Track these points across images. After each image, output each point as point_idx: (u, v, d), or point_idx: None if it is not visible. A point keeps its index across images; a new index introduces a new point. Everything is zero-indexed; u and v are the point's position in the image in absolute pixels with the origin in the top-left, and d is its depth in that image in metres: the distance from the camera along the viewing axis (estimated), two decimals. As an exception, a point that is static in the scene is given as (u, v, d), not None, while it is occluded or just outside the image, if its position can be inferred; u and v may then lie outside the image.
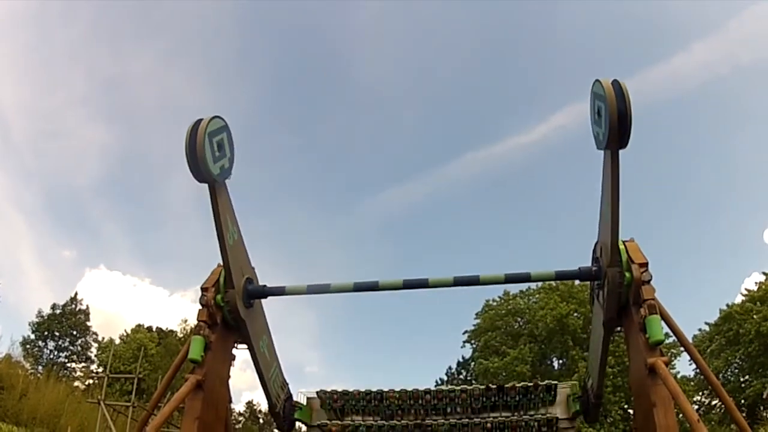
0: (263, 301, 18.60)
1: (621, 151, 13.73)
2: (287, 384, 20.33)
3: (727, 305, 49.50)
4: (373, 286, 16.34)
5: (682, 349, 28.80)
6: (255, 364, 17.44)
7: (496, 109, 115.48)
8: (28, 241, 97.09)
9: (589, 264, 17.66)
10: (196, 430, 15.85)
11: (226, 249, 16.29)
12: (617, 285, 15.74)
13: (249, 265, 18.62)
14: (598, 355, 15.87)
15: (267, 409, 21.76)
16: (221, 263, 17.43)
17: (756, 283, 49.73)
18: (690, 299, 71.76)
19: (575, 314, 52.35)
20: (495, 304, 57.17)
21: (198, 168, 14.59)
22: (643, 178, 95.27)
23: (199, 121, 14.44)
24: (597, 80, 14.05)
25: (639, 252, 15.92)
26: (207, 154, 14.63)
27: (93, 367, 58.77)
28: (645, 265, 15.42)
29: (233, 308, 17.03)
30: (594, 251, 17.51)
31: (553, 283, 51.76)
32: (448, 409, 22.13)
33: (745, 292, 49.53)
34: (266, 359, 17.80)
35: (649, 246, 16.02)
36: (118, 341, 56.63)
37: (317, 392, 22.68)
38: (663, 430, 13.76)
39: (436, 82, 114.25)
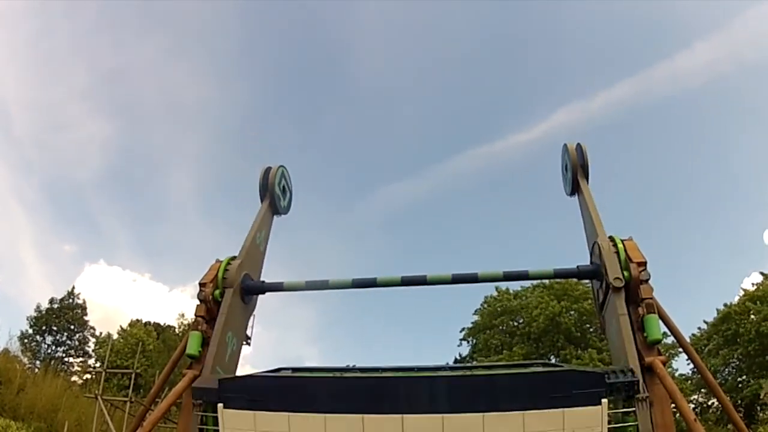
0: (261, 300, 18.67)
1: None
2: None
3: (725, 305, 49.55)
4: (371, 283, 16.41)
5: (680, 348, 28.86)
6: (213, 346, 15.88)
7: (497, 106, 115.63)
8: (29, 235, 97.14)
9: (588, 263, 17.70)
10: (192, 425, 15.84)
11: (249, 241, 17.55)
12: (611, 246, 15.80)
13: (258, 271, 18.79)
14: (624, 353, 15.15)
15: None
16: (219, 259, 17.56)
17: (753, 284, 49.83)
18: (689, 299, 71.82)
19: (570, 312, 52.35)
20: (493, 300, 57.08)
21: (266, 182, 19.29)
22: (643, 177, 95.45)
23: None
24: (565, 144, 18.31)
25: (637, 251, 15.93)
26: (276, 180, 19.30)
27: (91, 361, 58.77)
28: (643, 264, 15.43)
29: (230, 279, 17.08)
30: (592, 251, 17.53)
31: (548, 281, 51.73)
32: None
33: (743, 293, 49.62)
34: (223, 355, 16.37)
35: (648, 245, 16.02)
36: (116, 336, 56.59)
37: None
38: (660, 428, 13.77)
39: (437, 78, 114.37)
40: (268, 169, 19.69)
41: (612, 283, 15.23)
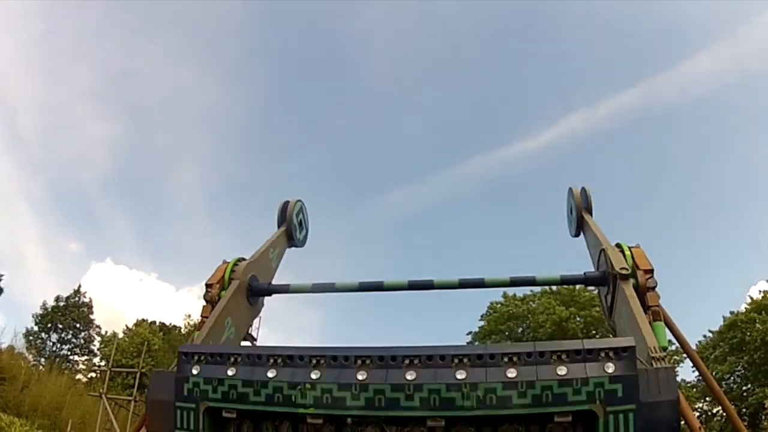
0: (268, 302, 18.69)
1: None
2: None
3: (732, 312, 49.47)
4: (378, 286, 16.32)
5: (685, 356, 28.79)
6: (207, 324, 15.61)
7: (503, 113, 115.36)
8: (35, 233, 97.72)
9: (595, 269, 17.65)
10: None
11: (261, 251, 17.72)
12: (618, 250, 16.03)
13: (266, 281, 18.82)
14: None
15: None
16: (226, 260, 17.60)
17: (760, 291, 49.68)
18: (695, 306, 71.48)
19: (577, 319, 52.32)
20: (499, 306, 57.01)
21: (284, 215, 18.24)
22: (650, 184, 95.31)
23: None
24: (570, 188, 17.67)
25: (645, 258, 15.85)
26: (294, 212, 18.31)
27: (95, 360, 58.90)
28: (650, 271, 15.33)
29: (237, 276, 17.13)
30: (599, 259, 17.50)
31: (555, 287, 51.61)
32: None
33: (750, 300, 49.53)
34: (218, 338, 15.95)
35: (655, 253, 15.96)
36: (121, 335, 56.73)
37: None
38: (664, 436, 13.68)
39: (442, 85, 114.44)
40: (286, 203, 20.06)
41: (619, 272, 15.27)
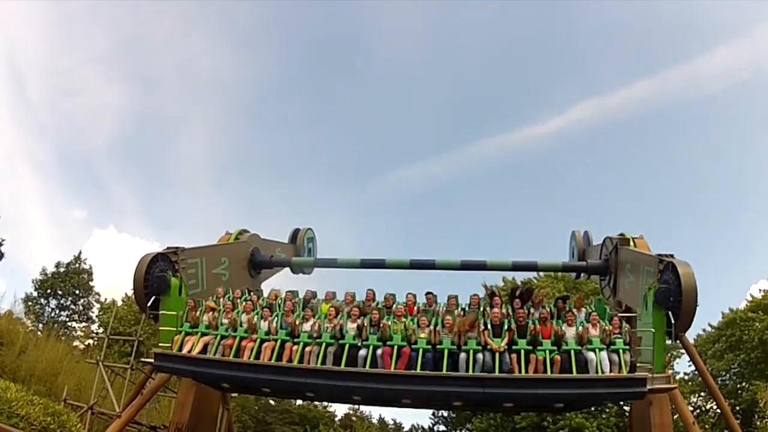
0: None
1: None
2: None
3: (731, 309, 49.30)
4: (380, 264, 16.47)
5: (683, 351, 28.77)
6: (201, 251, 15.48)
7: (514, 98, 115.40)
8: (39, 199, 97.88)
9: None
10: (192, 395, 15.94)
11: (270, 240, 18.31)
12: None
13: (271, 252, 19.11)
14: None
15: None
16: (229, 231, 17.64)
17: (761, 290, 49.47)
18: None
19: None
20: (499, 291, 56.12)
21: (294, 238, 20.52)
22: (657, 177, 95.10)
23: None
24: (573, 231, 19.50)
25: (647, 249, 15.86)
26: (305, 238, 20.88)
27: (93, 327, 58.76)
28: (652, 263, 15.32)
29: (243, 237, 17.45)
30: (600, 248, 17.48)
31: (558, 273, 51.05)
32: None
33: (750, 299, 49.35)
34: (212, 262, 15.49)
35: (658, 245, 15.92)
36: (120, 303, 56.49)
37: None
38: (658, 429, 13.74)
39: (456, 67, 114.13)
40: (297, 229, 21.64)
41: (620, 239, 15.70)
